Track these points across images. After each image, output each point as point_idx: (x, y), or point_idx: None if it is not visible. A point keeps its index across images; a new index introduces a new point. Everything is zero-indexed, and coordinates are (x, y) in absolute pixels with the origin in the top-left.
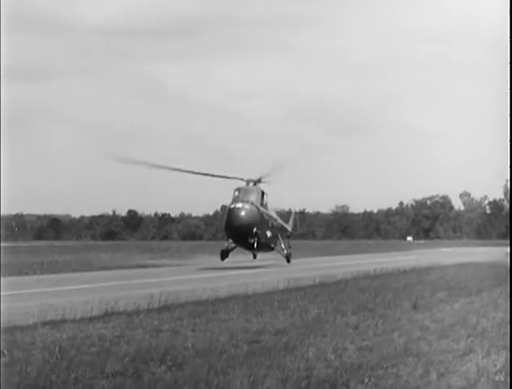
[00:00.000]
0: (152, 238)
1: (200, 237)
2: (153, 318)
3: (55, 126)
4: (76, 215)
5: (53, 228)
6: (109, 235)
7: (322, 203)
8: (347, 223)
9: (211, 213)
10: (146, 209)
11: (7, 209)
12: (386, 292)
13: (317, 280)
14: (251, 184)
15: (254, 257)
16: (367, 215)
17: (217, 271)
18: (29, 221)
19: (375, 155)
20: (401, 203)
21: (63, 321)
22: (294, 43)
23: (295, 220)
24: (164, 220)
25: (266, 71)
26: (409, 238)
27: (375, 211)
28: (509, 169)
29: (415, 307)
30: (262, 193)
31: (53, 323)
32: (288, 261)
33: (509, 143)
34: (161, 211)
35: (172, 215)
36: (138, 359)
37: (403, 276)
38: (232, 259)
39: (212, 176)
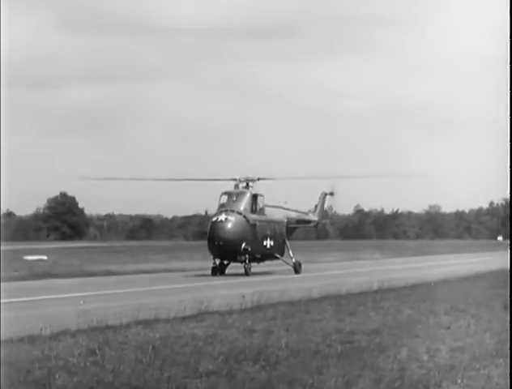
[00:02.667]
0: None
1: (292, 237)
2: (246, 317)
3: (147, 127)
4: (168, 215)
5: (145, 228)
6: (201, 235)
7: (414, 203)
8: (439, 222)
9: None
10: None
11: (97, 209)
12: (477, 293)
13: (410, 281)
14: (242, 185)
15: (246, 273)
16: (459, 215)
17: (306, 271)
18: (121, 221)
19: (465, 154)
20: (491, 203)
21: (156, 320)
22: (387, 42)
23: (322, 205)
24: None
25: (361, 71)
26: (499, 238)
27: (466, 210)
28: (509, 169)
29: (506, 308)
30: (255, 196)
31: (146, 323)
32: (297, 271)
33: (509, 143)
34: None
35: None
36: (232, 359)
37: (495, 276)
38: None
39: (199, 180)
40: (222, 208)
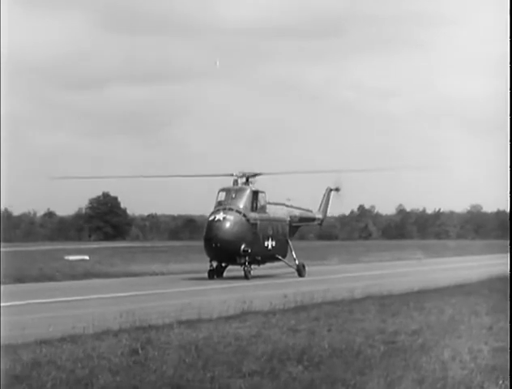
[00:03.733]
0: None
1: (336, 237)
2: (289, 317)
3: (192, 127)
4: None
5: (188, 228)
6: None
7: (456, 203)
8: (480, 222)
9: (346, 213)
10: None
11: (140, 210)
12: None
13: (452, 281)
14: (242, 181)
15: (246, 277)
16: (499, 215)
17: (357, 271)
18: (163, 222)
19: (506, 153)
20: None
21: (199, 320)
22: (429, 40)
23: (327, 202)
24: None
25: (403, 69)
26: None
27: (507, 210)
28: (509, 169)
29: None
30: (255, 193)
31: (189, 323)
32: (300, 274)
33: (509, 143)
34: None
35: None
36: (275, 358)
37: None
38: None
39: (196, 176)
40: (219, 206)
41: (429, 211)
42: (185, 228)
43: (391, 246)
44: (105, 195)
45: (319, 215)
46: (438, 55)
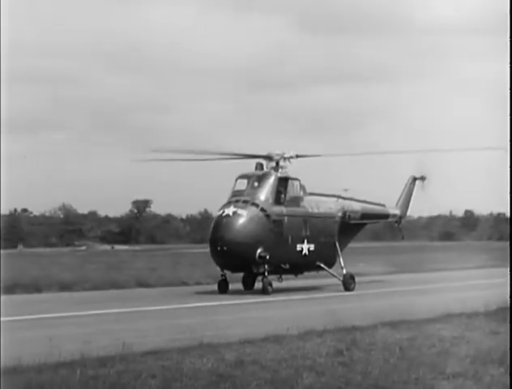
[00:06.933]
0: (489, 238)
1: None
2: (491, 319)
3: (387, 127)
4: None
5: None
6: (446, 236)
7: None
8: None
9: None
10: (482, 209)
11: None
12: None
13: None
14: (268, 166)
15: (265, 291)
16: None
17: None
18: None
19: None
20: None
21: (402, 322)
22: None
23: (409, 194)
24: (499, 220)
25: None
26: None
27: None
28: (509, 169)
29: None
30: (283, 180)
31: (392, 324)
32: (347, 288)
33: (509, 142)
34: (497, 210)
35: (508, 214)
36: (478, 361)
37: None
38: None
39: (205, 160)
40: (233, 198)
41: None
42: None
43: None
44: None
45: (395, 211)
46: None
